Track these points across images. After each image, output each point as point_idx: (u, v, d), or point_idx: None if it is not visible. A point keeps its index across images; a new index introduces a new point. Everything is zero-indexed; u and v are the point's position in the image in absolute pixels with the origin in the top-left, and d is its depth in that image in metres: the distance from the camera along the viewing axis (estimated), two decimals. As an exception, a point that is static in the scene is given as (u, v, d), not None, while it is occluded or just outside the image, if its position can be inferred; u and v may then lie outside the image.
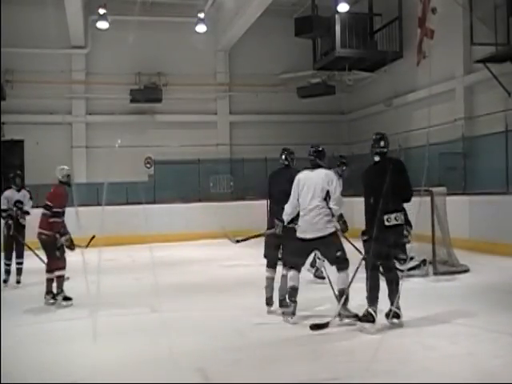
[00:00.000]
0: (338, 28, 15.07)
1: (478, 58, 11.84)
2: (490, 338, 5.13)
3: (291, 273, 5.89)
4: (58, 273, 7.19)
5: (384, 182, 5.04)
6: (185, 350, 4.88)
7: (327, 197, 5.75)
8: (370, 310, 5.41)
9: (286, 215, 6.01)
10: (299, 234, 5.82)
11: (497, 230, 10.30)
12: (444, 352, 4.74)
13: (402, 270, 7.63)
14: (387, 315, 5.55)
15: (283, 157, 6.61)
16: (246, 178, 16.93)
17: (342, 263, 5.73)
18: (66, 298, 7.13)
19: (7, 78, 16.16)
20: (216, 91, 18.17)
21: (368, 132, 18.60)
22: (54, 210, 7.20)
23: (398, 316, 5.52)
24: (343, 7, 14.28)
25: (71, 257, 9.23)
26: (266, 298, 6.38)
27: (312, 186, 5.80)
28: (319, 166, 5.93)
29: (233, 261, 10.99)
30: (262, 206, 15.73)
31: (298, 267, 5.92)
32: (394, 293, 5.50)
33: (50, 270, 7.22)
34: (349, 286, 5.75)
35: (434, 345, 4.92)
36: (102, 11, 15.52)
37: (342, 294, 5.66)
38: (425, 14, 12.90)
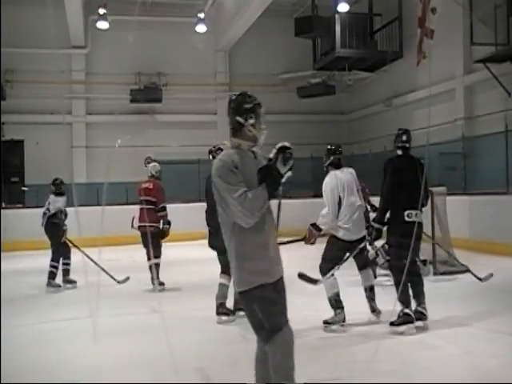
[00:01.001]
0: (337, 28, 15.08)
1: (478, 58, 11.85)
2: (490, 337, 5.14)
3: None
4: (155, 261, 8.01)
5: (411, 178, 5.24)
6: (185, 350, 4.89)
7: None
8: (406, 310, 5.31)
9: (328, 223, 5.80)
10: (348, 237, 5.66)
11: (497, 230, 10.30)
12: (443, 352, 4.74)
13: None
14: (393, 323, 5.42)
15: (211, 157, 6.43)
16: (246, 178, 16.91)
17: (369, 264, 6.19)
18: (161, 283, 8.13)
19: (7, 78, 16.17)
20: (216, 91, 18.17)
21: (368, 132, 18.73)
22: (162, 205, 8.28)
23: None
24: (343, 7, 14.29)
25: (72, 257, 9.25)
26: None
27: (350, 185, 5.75)
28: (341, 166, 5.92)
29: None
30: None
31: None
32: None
33: (150, 258, 8.02)
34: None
35: (434, 345, 4.93)
36: (101, 11, 15.53)
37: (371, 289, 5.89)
38: (425, 13, 12.89)
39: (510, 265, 9.29)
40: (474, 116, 12.91)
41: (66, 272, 8.71)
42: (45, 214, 8.76)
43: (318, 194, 11.89)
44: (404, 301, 5.33)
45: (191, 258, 12.12)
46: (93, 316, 5.76)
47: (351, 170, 5.89)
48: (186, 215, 15.61)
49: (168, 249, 12.94)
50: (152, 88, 16.96)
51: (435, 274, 8.36)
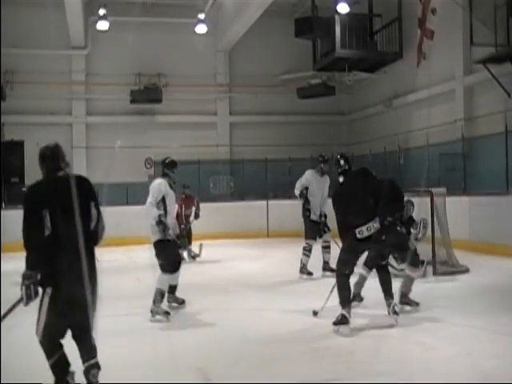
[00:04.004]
0: (337, 29, 15.07)
1: (478, 59, 11.84)
2: (490, 338, 5.14)
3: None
4: None
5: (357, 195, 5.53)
6: (185, 350, 4.89)
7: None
8: (343, 312, 5.43)
9: None
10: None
11: (497, 231, 10.29)
12: (444, 352, 4.74)
13: (398, 269, 7.71)
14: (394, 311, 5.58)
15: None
16: (246, 178, 16.94)
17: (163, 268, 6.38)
18: None
19: (7, 78, 16.15)
20: (216, 92, 18.16)
21: (368, 133, 18.76)
22: None
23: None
24: (343, 8, 14.28)
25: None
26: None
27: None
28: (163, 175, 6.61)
29: (232, 261, 11.00)
30: (262, 206, 15.84)
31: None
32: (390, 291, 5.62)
33: None
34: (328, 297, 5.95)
35: (434, 345, 4.92)
36: (102, 12, 15.53)
37: (156, 293, 6.24)
38: (425, 14, 12.91)
39: (510, 266, 9.29)
40: (474, 117, 12.90)
41: None
42: None
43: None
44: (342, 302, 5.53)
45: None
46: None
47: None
48: (186, 216, 15.62)
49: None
50: (152, 89, 16.94)
51: (435, 274, 8.36)
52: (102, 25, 15.77)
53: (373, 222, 5.53)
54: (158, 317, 6.14)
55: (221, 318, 6.28)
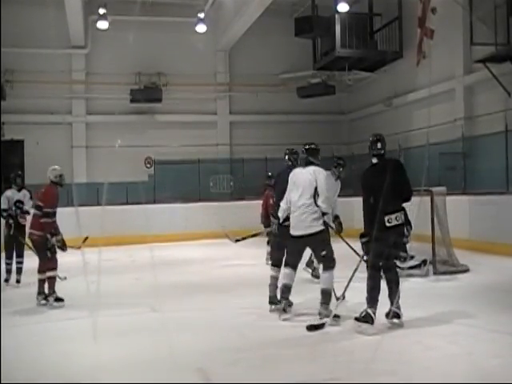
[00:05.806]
0: (338, 28, 15.07)
1: (478, 58, 11.85)
2: (490, 337, 5.14)
3: (287, 271, 6.07)
4: (49, 274, 7.08)
5: (383, 182, 5.04)
6: (185, 350, 4.89)
7: (316, 194, 5.83)
8: (369, 311, 5.34)
9: (281, 212, 6.20)
10: (290, 231, 5.98)
11: (497, 230, 10.30)
12: (444, 352, 4.74)
13: (401, 268, 7.67)
14: (387, 315, 5.53)
15: (286, 157, 6.80)
16: (245, 177, 16.94)
17: (327, 262, 5.86)
18: (58, 299, 7.04)
19: (7, 77, 16.15)
20: (216, 91, 18.17)
21: (368, 132, 18.66)
22: (45, 210, 7.10)
23: (398, 316, 5.49)
24: (343, 7, 14.28)
25: (72, 257, 9.28)
26: (269, 297, 6.40)
27: (301, 183, 5.92)
28: (310, 163, 6.04)
29: (233, 260, 10.99)
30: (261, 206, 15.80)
31: (293, 265, 6.06)
32: (394, 293, 5.49)
33: (41, 271, 7.15)
34: (346, 286, 5.95)
35: (434, 345, 4.92)
36: (102, 11, 15.55)
37: (325, 294, 5.81)
38: (425, 13, 12.89)
39: (510, 265, 9.29)
40: (474, 116, 12.91)
41: (18, 270, 8.87)
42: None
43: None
44: (368, 300, 5.40)
45: (191, 257, 12.12)
46: (93, 316, 5.76)
47: (316, 169, 5.95)
48: (186, 215, 15.64)
49: (168, 249, 13.01)
50: (152, 88, 16.96)
51: (435, 273, 8.37)
52: (102, 24, 15.79)
53: (401, 212, 5.47)
54: (325, 319, 5.72)
55: (221, 317, 6.28)
